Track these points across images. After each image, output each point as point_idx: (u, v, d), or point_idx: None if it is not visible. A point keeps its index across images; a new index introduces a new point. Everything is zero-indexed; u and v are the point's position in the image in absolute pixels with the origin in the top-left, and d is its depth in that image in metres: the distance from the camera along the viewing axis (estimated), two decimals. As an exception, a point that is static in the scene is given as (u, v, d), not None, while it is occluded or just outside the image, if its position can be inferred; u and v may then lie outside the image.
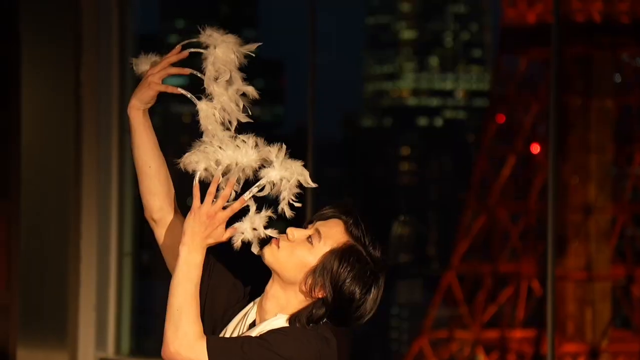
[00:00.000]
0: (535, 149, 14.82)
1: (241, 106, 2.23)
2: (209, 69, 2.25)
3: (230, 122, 2.22)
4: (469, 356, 14.37)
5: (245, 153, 2.18)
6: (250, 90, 2.22)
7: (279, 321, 2.12)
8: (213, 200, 2.19)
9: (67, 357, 5.49)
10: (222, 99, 2.23)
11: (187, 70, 2.27)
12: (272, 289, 2.16)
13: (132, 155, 2.33)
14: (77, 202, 5.51)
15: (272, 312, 2.15)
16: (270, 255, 2.13)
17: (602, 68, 13.74)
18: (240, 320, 2.16)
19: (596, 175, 13.60)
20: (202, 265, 2.13)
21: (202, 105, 2.23)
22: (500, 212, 14.68)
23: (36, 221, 5.35)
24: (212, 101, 2.23)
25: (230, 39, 2.21)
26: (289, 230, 2.13)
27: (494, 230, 14.71)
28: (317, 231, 2.13)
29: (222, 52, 2.26)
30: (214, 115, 2.21)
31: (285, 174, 2.15)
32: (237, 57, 2.24)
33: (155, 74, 2.26)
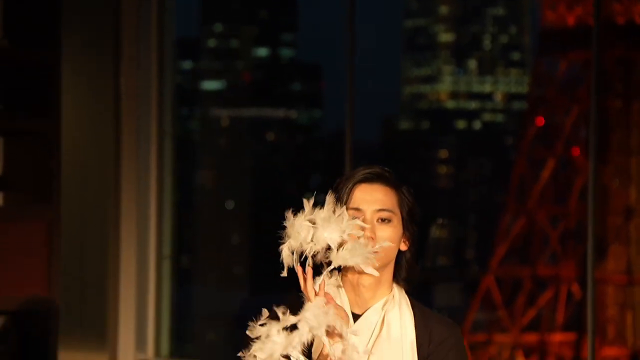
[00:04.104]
0: (576, 151, 14.71)
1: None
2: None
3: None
4: (507, 359, 14.28)
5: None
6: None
7: (396, 294, 2.15)
8: None
9: (107, 359, 5.53)
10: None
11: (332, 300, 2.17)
12: (363, 278, 2.17)
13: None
14: (117, 206, 5.55)
15: (372, 293, 2.16)
16: (378, 261, 2.15)
17: (643, 70, 13.62)
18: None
19: (637, 178, 13.48)
20: None
21: None
22: (540, 215, 14.59)
23: (76, 225, 5.40)
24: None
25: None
26: (367, 234, 2.14)
27: (533, 233, 14.63)
28: (382, 209, 2.16)
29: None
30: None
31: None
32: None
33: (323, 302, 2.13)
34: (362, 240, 2.11)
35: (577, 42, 14.00)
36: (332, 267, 2.11)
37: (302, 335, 2.05)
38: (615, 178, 13.50)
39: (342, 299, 2.18)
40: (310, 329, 2.04)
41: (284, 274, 2.12)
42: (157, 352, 5.72)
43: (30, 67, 4.77)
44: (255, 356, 2.06)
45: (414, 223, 2.22)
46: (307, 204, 2.12)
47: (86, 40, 5.49)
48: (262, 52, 12.35)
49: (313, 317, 2.05)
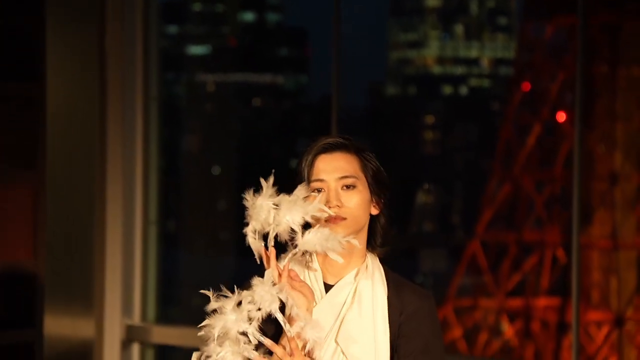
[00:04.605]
0: (561, 117, 14.74)
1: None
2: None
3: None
4: (493, 324, 14.36)
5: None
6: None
7: (370, 264, 2.15)
8: None
9: (94, 325, 5.54)
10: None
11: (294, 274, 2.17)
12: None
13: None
14: (103, 171, 5.54)
15: (345, 261, 2.16)
16: (345, 228, 2.14)
17: (630, 36, 13.62)
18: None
19: (622, 144, 13.52)
20: None
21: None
22: (525, 181, 14.63)
23: (62, 191, 5.38)
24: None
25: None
26: (330, 203, 2.13)
27: (518, 198, 14.68)
28: (344, 176, 2.16)
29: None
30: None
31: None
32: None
33: (283, 281, 2.13)
34: (327, 228, 2.11)
35: (563, 6, 13.98)
36: (298, 250, 2.11)
37: (251, 312, 2.06)
38: (601, 143, 13.53)
39: (315, 269, 2.18)
40: (260, 307, 2.05)
41: (258, 260, 2.12)
42: (144, 317, 5.73)
43: (14, 33, 4.74)
44: (209, 331, 2.07)
45: (382, 186, 2.22)
46: (266, 184, 2.12)
47: (70, 4, 5.45)
48: (248, 16, 12.29)
49: (261, 295, 2.06)
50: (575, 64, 4.98)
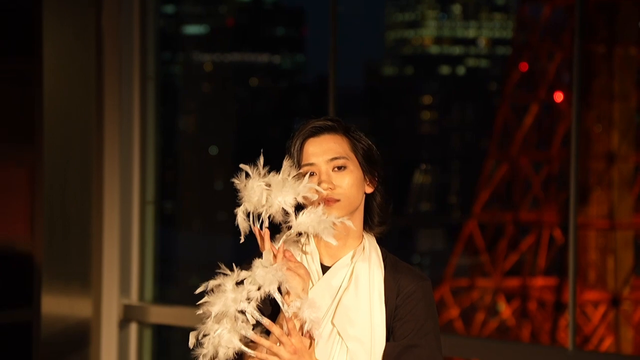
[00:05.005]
0: (559, 97, 14.74)
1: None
2: None
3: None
4: (490, 304, 14.40)
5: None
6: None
7: (367, 245, 2.15)
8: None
9: (91, 304, 5.55)
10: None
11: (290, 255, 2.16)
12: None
13: None
14: (100, 151, 5.54)
15: (342, 243, 2.16)
16: (339, 210, 2.14)
17: (627, 15, 13.60)
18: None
19: (619, 123, 13.53)
20: None
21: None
22: (523, 161, 14.64)
23: (59, 168, 5.38)
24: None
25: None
26: (323, 185, 2.13)
27: (515, 178, 14.69)
28: (334, 158, 2.16)
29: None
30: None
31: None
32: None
33: (278, 262, 2.13)
34: (320, 206, 2.11)
35: (561, -14, 13.95)
36: (291, 232, 2.11)
37: (250, 292, 2.06)
38: (598, 123, 13.53)
39: (312, 251, 2.18)
40: (260, 287, 2.06)
41: (242, 239, 2.12)
42: (141, 297, 5.74)
43: (11, 9, 4.72)
44: (208, 309, 2.08)
45: (374, 164, 2.21)
46: (255, 166, 2.11)
47: (67, -17, 5.43)
48: (245, -4, 12.25)
49: (261, 274, 2.06)
50: (573, 44, 4.97)
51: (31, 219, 4.74)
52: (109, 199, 5.57)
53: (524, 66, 14.84)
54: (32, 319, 4.79)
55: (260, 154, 2.14)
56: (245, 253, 2.23)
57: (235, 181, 2.12)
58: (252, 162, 2.14)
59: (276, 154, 2.21)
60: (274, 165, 2.17)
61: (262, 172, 2.12)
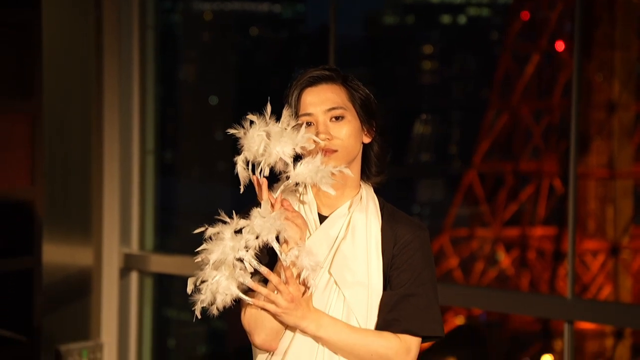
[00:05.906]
0: (560, 46, 14.67)
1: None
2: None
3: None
4: (489, 254, 14.46)
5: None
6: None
7: (364, 195, 2.16)
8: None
9: (92, 253, 5.57)
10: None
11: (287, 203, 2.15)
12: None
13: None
14: (99, 100, 5.53)
15: (339, 192, 2.16)
16: (337, 160, 2.14)
17: (629, -36, 13.50)
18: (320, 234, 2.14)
19: (620, 73, 13.48)
20: (332, 321, 2.10)
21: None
22: (523, 110, 14.62)
23: (59, 119, 5.38)
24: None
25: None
26: (321, 136, 2.13)
27: (516, 128, 14.67)
28: (332, 108, 2.16)
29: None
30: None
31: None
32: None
33: (276, 211, 2.13)
34: (319, 156, 2.11)
35: None
36: (289, 182, 2.11)
37: (249, 241, 2.07)
38: (599, 72, 13.49)
39: (310, 201, 2.18)
40: (258, 235, 2.06)
41: (242, 189, 2.12)
42: (142, 246, 5.76)
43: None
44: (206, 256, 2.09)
45: (372, 113, 2.21)
46: (260, 115, 2.11)
47: None
48: (245, -56, 12.16)
49: (259, 223, 2.07)
50: (575, -7, 4.94)
51: (32, 169, 4.74)
52: (109, 147, 5.57)
53: (525, 15, 14.76)
54: (34, 268, 4.82)
55: (267, 102, 2.14)
56: (244, 201, 2.23)
57: (232, 131, 2.12)
58: (253, 112, 2.14)
59: (276, 104, 2.21)
60: (275, 115, 2.17)
61: (265, 122, 2.12)
